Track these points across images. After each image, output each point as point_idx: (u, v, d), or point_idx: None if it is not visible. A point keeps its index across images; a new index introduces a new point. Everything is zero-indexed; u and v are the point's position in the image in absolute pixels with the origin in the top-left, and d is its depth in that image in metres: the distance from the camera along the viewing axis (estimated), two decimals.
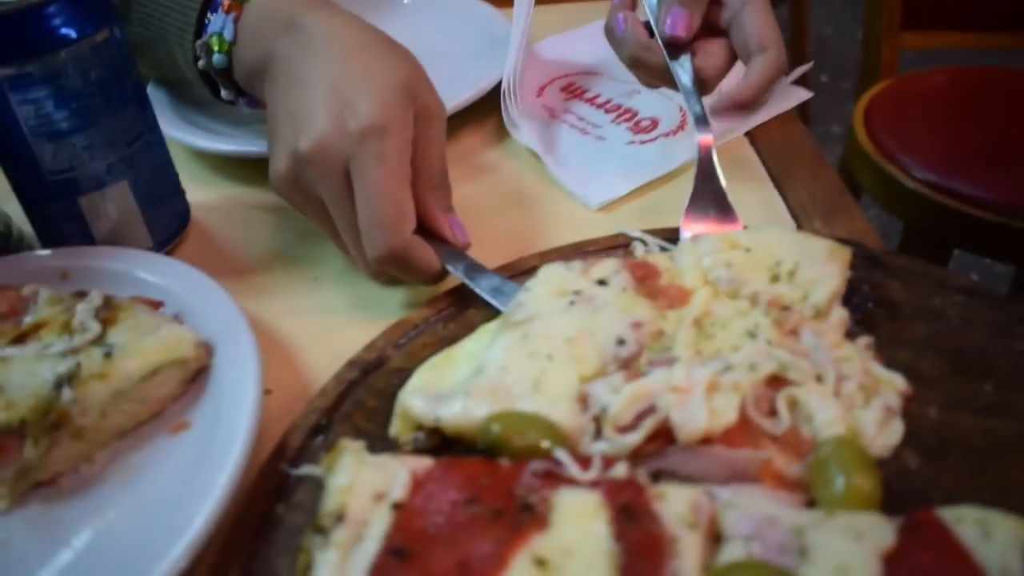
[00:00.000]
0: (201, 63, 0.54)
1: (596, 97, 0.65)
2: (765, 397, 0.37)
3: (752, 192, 0.55)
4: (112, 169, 0.49)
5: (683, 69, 0.52)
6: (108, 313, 0.43)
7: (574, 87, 0.67)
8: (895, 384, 0.38)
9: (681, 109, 0.62)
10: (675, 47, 0.53)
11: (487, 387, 0.37)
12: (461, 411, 0.37)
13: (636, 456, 0.35)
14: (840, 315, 0.42)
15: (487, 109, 0.63)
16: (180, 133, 0.61)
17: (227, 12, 0.53)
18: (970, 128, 1.35)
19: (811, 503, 0.34)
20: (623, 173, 0.56)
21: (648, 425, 0.35)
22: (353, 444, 0.35)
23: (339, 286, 0.51)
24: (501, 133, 0.62)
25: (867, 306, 0.44)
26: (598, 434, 0.36)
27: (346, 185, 0.45)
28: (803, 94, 0.64)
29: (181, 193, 0.55)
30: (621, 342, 0.39)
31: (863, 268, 0.46)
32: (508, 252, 0.49)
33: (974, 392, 0.39)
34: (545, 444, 0.34)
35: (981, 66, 1.54)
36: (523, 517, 0.31)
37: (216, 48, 0.53)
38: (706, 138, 0.51)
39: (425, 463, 0.34)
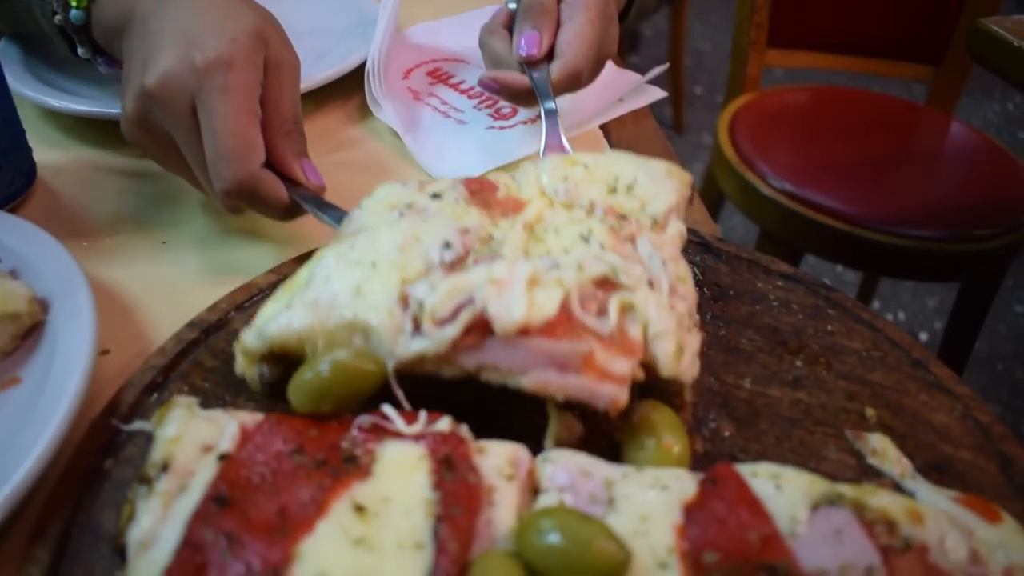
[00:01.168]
0: (58, 18, 0.53)
1: (461, 83, 0.66)
2: (595, 298, 0.36)
3: None
4: None
5: (539, 75, 0.56)
6: None
7: (440, 72, 0.68)
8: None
9: None
10: (532, 63, 0.57)
11: (310, 299, 0.37)
12: (284, 325, 0.36)
13: (455, 349, 0.34)
14: (678, 228, 0.42)
15: (351, 88, 0.64)
16: (30, 91, 0.59)
17: None
18: (825, 143, 1.44)
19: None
20: (480, 155, 0.57)
21: (464, 317, 0.34)
22: (185, 399, 0.35)
23: (188, 251, 0.50)
24: (364, 111, 0.63)
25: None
26: (418, 331, 0.35)
27: (193, 120, 0.46)
28: (657, 93, 0.67)
29: (28, 151, 0.54)
30: (447, 246, 0.38)
31: (695, 253, 0.49)
32: None
33: (785, 367, 0.43)
34: (358, 341, 0.36)
35: (838, 86, 1.64)
36: (346, 467, 0.32)
37: (74, 4, 0.52)
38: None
39: (256, 417, 0.34)
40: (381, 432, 0.33)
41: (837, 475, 0.37)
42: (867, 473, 0.37)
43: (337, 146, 0.60)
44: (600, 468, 0.33)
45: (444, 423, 0.34)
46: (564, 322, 0.35)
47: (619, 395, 0.34)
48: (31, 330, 0.42)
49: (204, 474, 0.31)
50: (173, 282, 0.48)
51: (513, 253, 0.38)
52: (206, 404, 0.36)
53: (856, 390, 0.41)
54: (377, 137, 0.61)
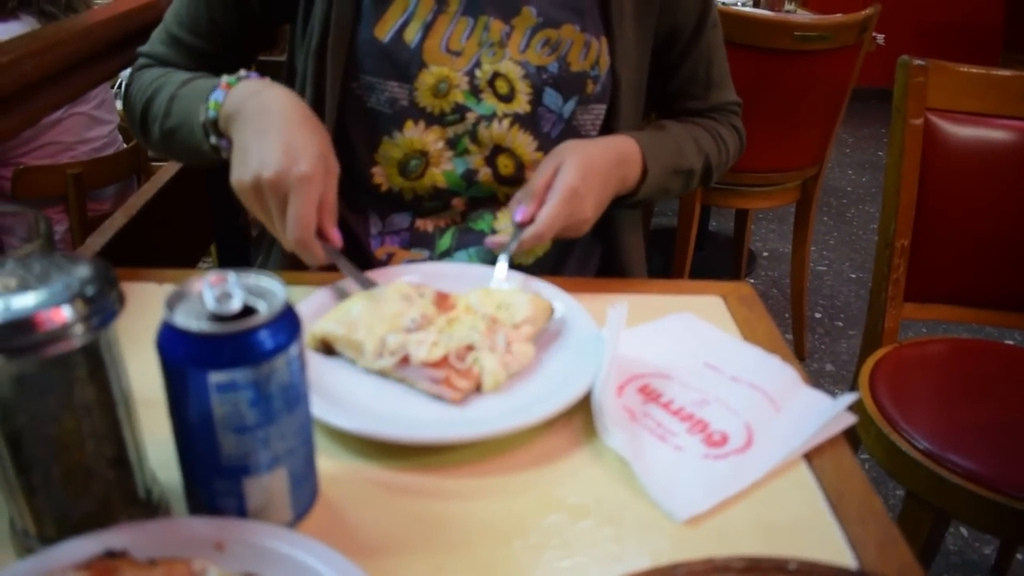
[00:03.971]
0: (202, 118, 0.90)
1: (670, 403, 0.74)
2: (462, 354, 0.75)
3: (814, 522, 0.64)
4: (277, 458, 0.57)
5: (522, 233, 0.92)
6: None
7: (649, 390, 0.76)
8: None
9: (746, 426, 0.71)
10: (521, 226, 0.93)
11: (343, 321, 0.78)
12: (329, 329, 0.78)
13: (394, 368, 0.74)
14: (529, 330, 0.79)
15: (574, 407, 0.72)
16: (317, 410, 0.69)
17: (223, 88, 0.89)
18: (968, 400, 1.47)
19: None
20: (702, 492, 0.64)
21: (399, 352, 0.75)
22: None
23: None
24: (588, 432, 0.71)
25: None
26: (381, 356, 0.75)
27: (285, 200, 0.79)
28: (850, 418, 0.73)
29: (316, 472, 0.63)
30: (412, 321, 0.78)
31: None
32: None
33: None
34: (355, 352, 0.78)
35: (979, 340, 1.67)
36: None
37: (211, 107, 0.89)
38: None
39: None
40: None
41: None
42: None
43: (568, 471, 0.67)
44: None
45: None
46: (444, 363, 0.74)
47: (455, 396, 0.72)
48: None
49: None
50: None
51: (435, 330, 0.78)
52: None
53: None
54: (601, 459, 0.68)
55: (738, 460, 0.68)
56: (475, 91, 0.99)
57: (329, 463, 0.67)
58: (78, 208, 2.07)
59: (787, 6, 3.01)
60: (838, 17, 2.28)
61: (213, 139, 0.91)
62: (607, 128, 1.07)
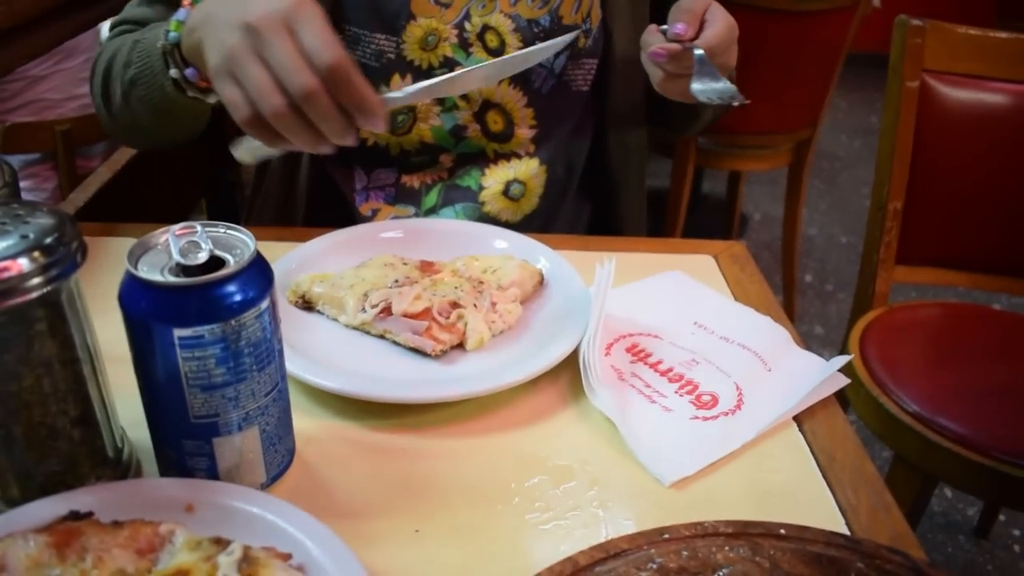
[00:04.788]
0: (161, 43, 0.75)
1: (659, 363, 0.72)
2: (447, 309, 0.72)
3: (805, 486, 0.62)
4: (248, 416, 0.55)
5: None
6: (249, 568, 0.47)
7: (638, 349, 0.74)
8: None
9: (736, 387, 0.69)
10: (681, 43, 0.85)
11: (330, 283, 0.77)
12: (316, 292, 0.77)
13: (375, 320, 0.72)
14: (516, 292, 0.76)
15: (560, 366, 0.70)
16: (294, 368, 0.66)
17: (187, 6, 0.74)
18: (958, 364, 1.46)
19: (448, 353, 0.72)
20: (690, 456, 0.62)
21: (381, 304, 0.72)
22: None
23: (441, 542, 0.56)
24: (576, 392, 0.69)
25: None
26: (363, 311, 0.73)
27: (290, 32, 0.60)
28: (842, 380, 0.71)
29: (292, 431, 0.61)
30: (396, 281, 0.76)
31: None
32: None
33: None
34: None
35: (969, 304, 1.66)
36: None
37: (172, 28, 0.74)
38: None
39: None
40: None
41: None
42: None
43: (552, 432, 0.65)
44: None
45: None
46: (426, 314, 0.71)
47: (436, 348, 0.70)
48: None
49: None
50: (426, 573, 0.53)
51: (419, 286, 0.75)
52: None
53: None
54: (587, 420, 0.66)
55: (728, 422, 0.66)
56: (464, 45, 0.96)
57: (306, 422, 0.65)
58: (67, 164, 2.03)
59: None
60: None
61: (173, 71, 0.75)
62: (599, 83, 1.04)
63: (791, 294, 2.61)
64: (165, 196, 1.75)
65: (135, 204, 1.59)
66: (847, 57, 2.41)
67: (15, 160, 2.09)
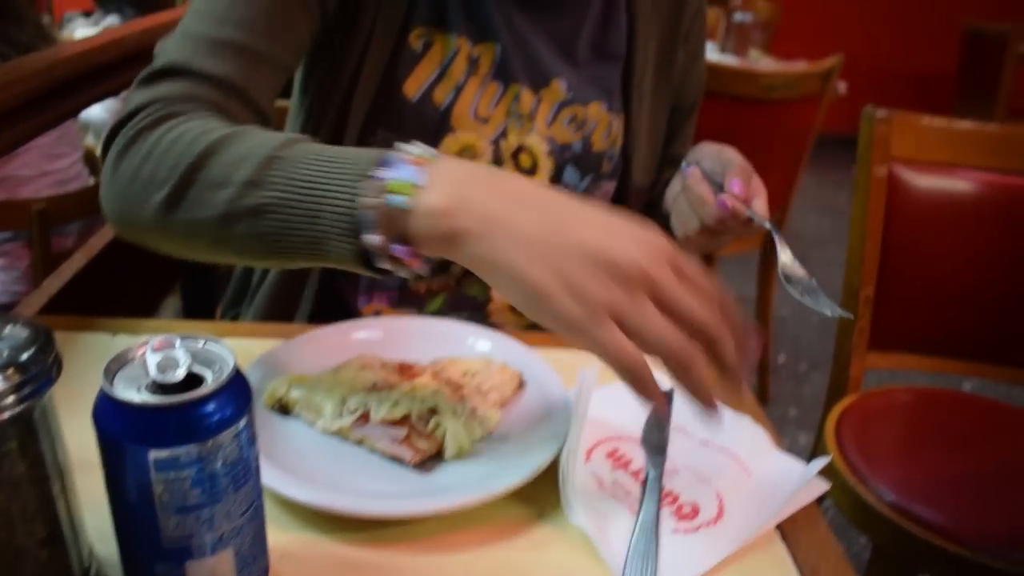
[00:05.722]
0: (370, 201, 0.58)
1: (640, 471, 0.72)
2: (425, 416, 0.71)
3: None
4: (223, 538, 0.53)
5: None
6: None
7: (619, 455, 0.73)
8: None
9: (717, 496, 0.69)
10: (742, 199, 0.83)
11: (307, 387, 0.75)
12: (293, 396, 0.75)
13: (352, 426, 0.71)
14: (496, 396, 0.76)
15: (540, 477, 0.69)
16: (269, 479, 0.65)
17: (412, 163, 0.59)
18: (934, 451, 1.47)
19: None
20: (673, 567, 0.61)
21: (359, 410, 0.71)
22: None
23: None
24: (556, 504, 0.68)
25: None
26: (340, 417, 0.72)
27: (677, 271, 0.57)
28: (823, 486, 0.71)
29: (266, 549, 0.59)
30: (374, 383, 0.75)
31: None
32: None
33: None
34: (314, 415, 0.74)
35: (944, 389, 1.67)
36: None
37: (398, 190, 0.57)
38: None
39: None
40: None
41: None
42: None
43: (534, 544, 0.64)
44: None
45: None
46: (405, 422, 0.70)
47: (414, 458, 0.68)
48: None
49: None
50: None
51: (398, 393, 0.74)
52: None
53: None
54: (569, 531, 0.65)
55: (709, 533, 0.65)
56: (498, 161, 0.95)
57: (281, 536, 0.63)
58: (41, 243, 2.00)
59: (752, 52, 3.05)
60: (802, 67, 2.31)
61: (374, 237, 0.59)
62: (617, 203, 1.05)
63: (765, 376, 2.62)
64: (141, 281, 1.74)
65: (110, 289, 1.58)
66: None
67: None
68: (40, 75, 1.21)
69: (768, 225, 0.81)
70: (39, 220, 1.98)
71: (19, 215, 1.98)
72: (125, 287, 1.67)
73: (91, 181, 2.32)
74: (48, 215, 2.00)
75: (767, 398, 2.63)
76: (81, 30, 3.50)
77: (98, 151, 2.48)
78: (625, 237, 0.55)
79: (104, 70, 1.36)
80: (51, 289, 1.39)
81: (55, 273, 1.45)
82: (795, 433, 2.48)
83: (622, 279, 0.54)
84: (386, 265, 0.61)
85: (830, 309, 0.75)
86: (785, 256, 0.79)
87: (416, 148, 0.61)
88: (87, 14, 3.49)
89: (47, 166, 2.16)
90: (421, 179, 0.58)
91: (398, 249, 0.59)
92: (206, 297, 1.80)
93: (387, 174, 0.59)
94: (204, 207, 0.65)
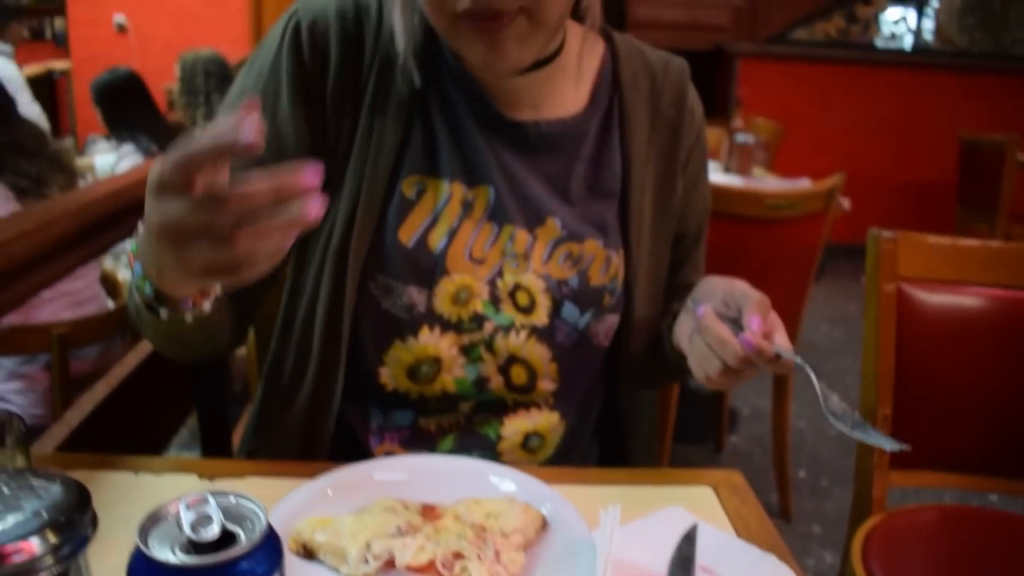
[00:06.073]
0: (139, 299, 0.79)
1: None
2: (451, 561, 0.71)
3: None
4: None
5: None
6: None
7: None
8: None
9: None
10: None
11: (331, 530, 0.75)
12: (320, 540, 0.75)
13: (381, 570, 0.71)
14: (519, 539, 0.76)
15: None
16: None
17: (132, 264, 0.79)
18: (964, 573, 1.43)
19: None
20: None
21: (384, 556, 0.72)
22: None
23: None
24: None
25: None
26: (365, 562, 0.72)
27: (187, 182, 0.61)
28: None
29: None
30: (398, 527, 0.75)
31: None
32: None
33: None
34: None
35: (971, 507, 1.65)
36: None
37: (141, 287, 0.78)
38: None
39: None
40: None
41: None
42: None
43: None
44: None
45: None
46: (431, 568, 0.71)
47: None
48: None
49: None
50: None
51: (423, 537, 0.74)
52: None
53: None
54: None
55: None
56: (495, 301, 0.96)
57: None
58: (60, 368, 2.02)
59: (755, 171, 3.13)
60: (806, 186, 2.37)
61: (164, 312, 0.79)
62: (620, 337, 1.05)
63: (786, 492, 2.58)
64: (157, 411, 1.76)
65: (130, 419, 1.60)
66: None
67: (7, 362, 2.09)
68: (71, 216, 1.26)
69: (799, 360, 0.80)
70: (59, 344, 2.00)
71: (38, 338, 2.00)
72: (142, 415, 1.69)
73: (109, 303, 2.36)
74: (67, 339, 2.03)
75: (790, 515, 2.58)
76: (100, 156, 3.60)
77: (118, 275, 2.52)
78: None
79: (135, 207, 1.41)
80: (72, 421, 1.41)
81: (76, 405, 1.48)
82: (820, 552, 2.43)
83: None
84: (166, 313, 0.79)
85: (888, 444, 0.75)
86: (826, 392, 0.78)
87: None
88: (108, 137, 3.57)
89: (65, 287, 2.19)
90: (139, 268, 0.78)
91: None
92: (220, 429, 1.81)
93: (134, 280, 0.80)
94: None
